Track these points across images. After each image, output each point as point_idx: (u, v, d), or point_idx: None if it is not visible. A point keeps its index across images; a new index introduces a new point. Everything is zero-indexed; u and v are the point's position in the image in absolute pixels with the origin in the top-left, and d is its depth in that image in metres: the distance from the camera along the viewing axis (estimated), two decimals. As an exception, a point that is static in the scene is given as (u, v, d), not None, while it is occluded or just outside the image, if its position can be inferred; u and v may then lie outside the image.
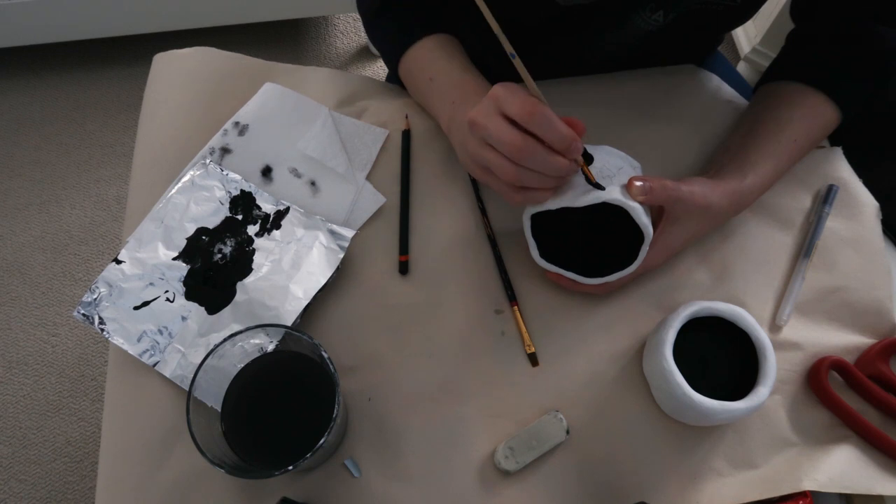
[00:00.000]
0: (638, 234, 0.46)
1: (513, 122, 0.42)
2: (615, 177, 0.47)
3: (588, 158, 0.45)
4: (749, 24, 1.48)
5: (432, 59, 0.56)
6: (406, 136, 0.59)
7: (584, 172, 0.44)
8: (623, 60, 0.62)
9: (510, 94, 0.41)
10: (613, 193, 0.44)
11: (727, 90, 0.62)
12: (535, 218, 0.48)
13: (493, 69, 0.60)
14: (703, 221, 0.50)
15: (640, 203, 0.45)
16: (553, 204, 0.46)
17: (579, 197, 0.45)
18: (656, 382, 0.47)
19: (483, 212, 0.56)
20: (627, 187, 0.46)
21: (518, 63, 0.42)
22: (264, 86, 0.60)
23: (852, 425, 0.48)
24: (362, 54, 1.62)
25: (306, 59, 1.60)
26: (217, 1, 1.38)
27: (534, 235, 0.49)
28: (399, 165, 0.58)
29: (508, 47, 0.42)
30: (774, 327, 0.52)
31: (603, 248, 0.48)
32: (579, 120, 0.43)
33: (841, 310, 0.53)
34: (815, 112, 0.54)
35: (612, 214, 0.46)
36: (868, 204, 0.56)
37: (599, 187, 0.44)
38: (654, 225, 0.49)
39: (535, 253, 0.50)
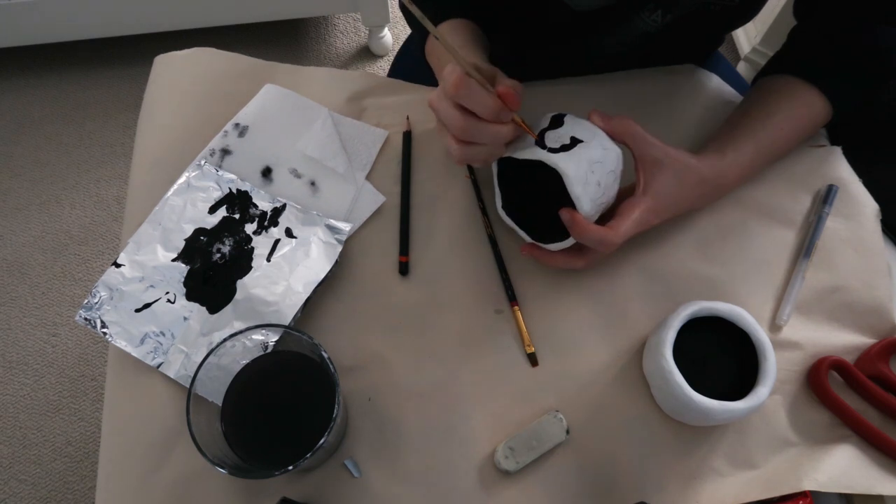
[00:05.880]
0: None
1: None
2: (575, 147, 0.45)
3: (557, 122, 0.47)
4: (749, 24, 1.48)
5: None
6: (407, 137, 0.59)
7: (521, 126, 0.46)
8: (624, 60, 0.62)
9: (448, 75, 0.43)
10: (548, 155, 0.45)
11: (727, 90, 0.62)
12: (501, 164, 0.50)
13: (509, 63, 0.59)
14: (686, 184, 0.50)
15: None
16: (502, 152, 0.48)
17: (518, 151, 0.47)
18: (656, 382, 0.47)
19: (483, 212, 0.56)
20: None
21: (442, 39, 0.41)
22: (264, 87, 0.60)
23: (852, 425, 0.48)
24: (362, 54, 1.62)
25: (306, 59, 1.60)
26: (217, 1, 1.38)
27: (500, 185, 0.51)
28: (398, 166, 0.58)
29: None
30: (774, 327, 0.52)
31: (554, 215, 0.47)
32: (514, 90, 0.43)
33: (841, 310, 0.53)
34: (803, 104, 0.54)
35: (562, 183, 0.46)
36: (868, 204, 0.56)
37: (542, 145, 0.46)
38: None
39: (498, 202, 0.52)
